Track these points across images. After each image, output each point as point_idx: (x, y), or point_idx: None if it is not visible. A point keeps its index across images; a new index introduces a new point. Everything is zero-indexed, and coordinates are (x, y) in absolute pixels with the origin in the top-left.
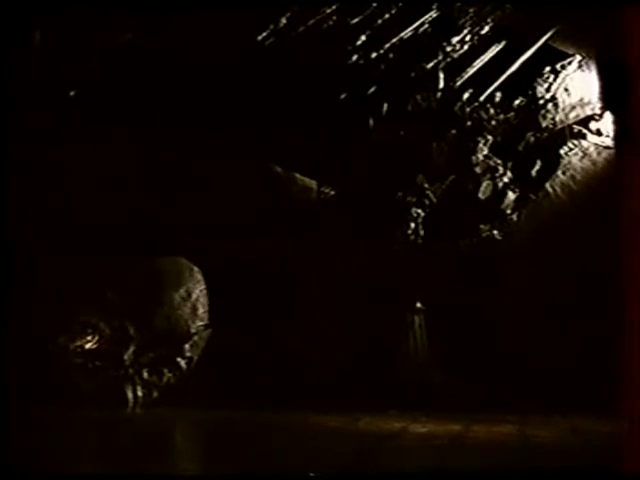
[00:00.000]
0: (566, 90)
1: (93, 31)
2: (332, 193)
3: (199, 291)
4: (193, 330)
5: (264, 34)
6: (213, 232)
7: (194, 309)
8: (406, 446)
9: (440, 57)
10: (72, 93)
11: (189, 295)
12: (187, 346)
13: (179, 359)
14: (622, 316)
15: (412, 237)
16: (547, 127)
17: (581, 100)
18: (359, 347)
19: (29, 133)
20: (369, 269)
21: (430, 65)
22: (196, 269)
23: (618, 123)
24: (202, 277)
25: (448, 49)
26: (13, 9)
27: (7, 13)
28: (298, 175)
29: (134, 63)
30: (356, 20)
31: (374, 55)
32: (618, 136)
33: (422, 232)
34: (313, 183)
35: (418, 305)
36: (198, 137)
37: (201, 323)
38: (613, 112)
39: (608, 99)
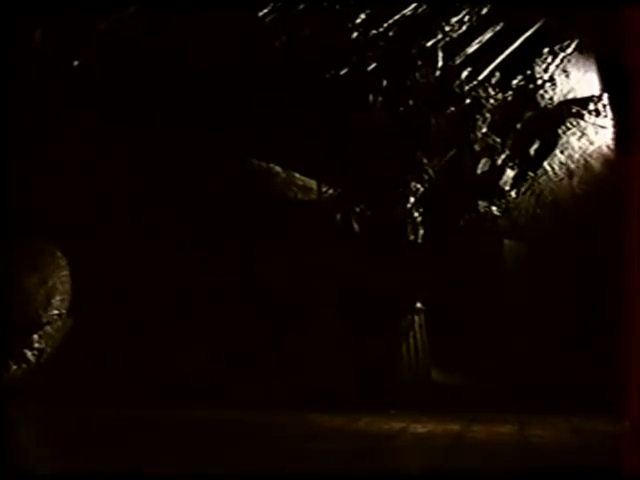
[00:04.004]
0: (564, 71)
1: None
2: (332, 192)
3: (57, 278)
4: (45, 320)
5: (265, 10)
6: (208, 232)
7: (48, 297)
8: (406, 446)
9: (439, 36)
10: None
11: (44, 281)
12: (36, 337)
13: (26, 351)
14: (623, 309)
15: (411, 217)
16: (545, 107)
17: (579, 81)
18: (359, 347)
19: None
20: (367, 268)
21: (429, 44)
22: (59, 254)
23: (619, 121)
24: (66, 263)
25: (447, 29)
26: (13, 9)
27: (7, 12)
28: (298, 175)
29: (132, 59)
30: None
31: (373, 33)
32: (619, 134)
33: (421, 209)
34: (313, 183)
35: (418, 305)
36: (193, 135)
37: (55, 312)
38: (614, 111)
39: (609, 98)
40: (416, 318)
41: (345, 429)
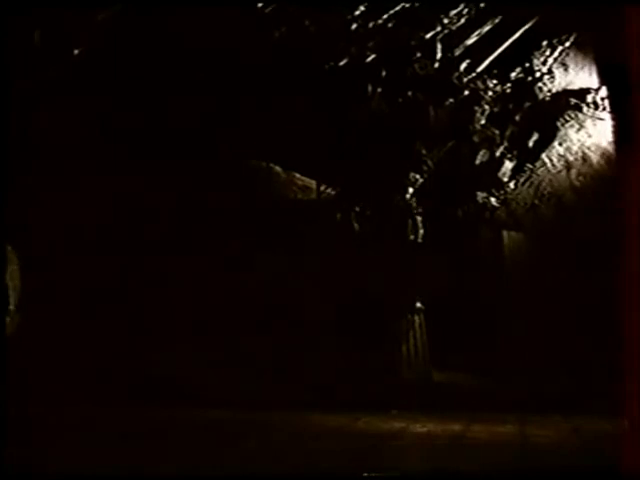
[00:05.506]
0: (563, 64)
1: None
2: (332, 192)
3: (6, 272)
4: None
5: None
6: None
7: None
8: (406, 446)
9: (438, 28)
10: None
11: None
12: None
13: None
14: (623, 306)
15: (410, 209)
16: (543, 99)
17: (577, 74)
18: (358, 346)
19: None
20: (367, 267)
21: (428, 36)
22: (9, 248)
23: (618, 123)
24: (15, 257)
25: (446, 21)
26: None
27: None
28: (298, 175)
29: (128, 54)
30: None
31: (372, 24)
32: (619, 136)
33: (420, 200)
34: (313, 183)
35: (418, 305)
36: (191, 134)
37: None
38: (614, 112)
39: (609, 98)
40: (416, 318)
41: (345, 429)
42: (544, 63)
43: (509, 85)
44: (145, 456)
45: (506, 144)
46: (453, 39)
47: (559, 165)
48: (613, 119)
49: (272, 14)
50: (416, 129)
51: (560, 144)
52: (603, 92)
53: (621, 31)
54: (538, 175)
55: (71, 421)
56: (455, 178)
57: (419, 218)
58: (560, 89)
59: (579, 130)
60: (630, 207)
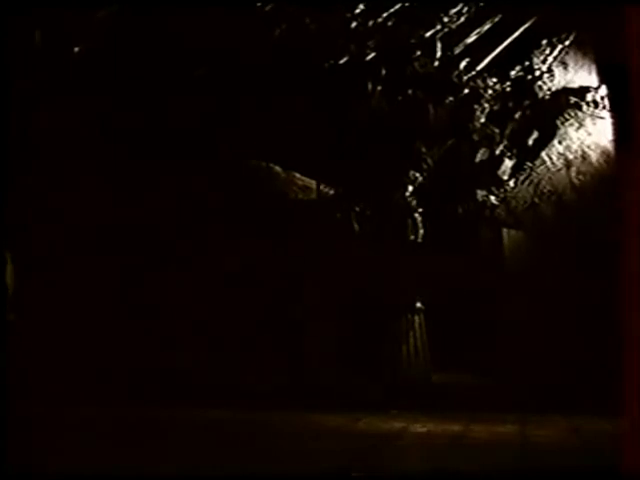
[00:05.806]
0: (562, 63)
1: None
2: (332, 192)
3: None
4: None
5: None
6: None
7: None
8: (406, 446)
9: (438, 27)
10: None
11: None
12: None
13: None
14: (623, 305)
15: (409, 207)
16: (543, 98)
17: (577, 72)
18: (358, 346)
19: None
20: (366, 267)
21: (428, 34)
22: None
23: (618, 123)
24: (9, 257)
25: (446, 19)
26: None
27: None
28: (298, 175)
29: (127, 52)
30: None
31: (372, 22)
32: (618, 136)
33: (419, 198)
34: (313, 183)
35: (418, 305)
36: (190, 134)
37: None
38: (613, 112)
39: (608, 99)
40: (416, 318)
41: (345, 429)
42: (544, 62)
43: (509, 83)
44: (145, 456)
45: (506, 142)
46: (453, 37)
47: (559, 163)
48: (613, 119)
49: (272, 13)
50: (416, 127)
51: (560, 142)
52: (603, 91)
53: (621, 31)
54: (538, 173)
55: (71, 421)
56: (455, 176)
57: (419, 217)
58: (560, 87)
59: (579, 128)
60: (630, 207)
